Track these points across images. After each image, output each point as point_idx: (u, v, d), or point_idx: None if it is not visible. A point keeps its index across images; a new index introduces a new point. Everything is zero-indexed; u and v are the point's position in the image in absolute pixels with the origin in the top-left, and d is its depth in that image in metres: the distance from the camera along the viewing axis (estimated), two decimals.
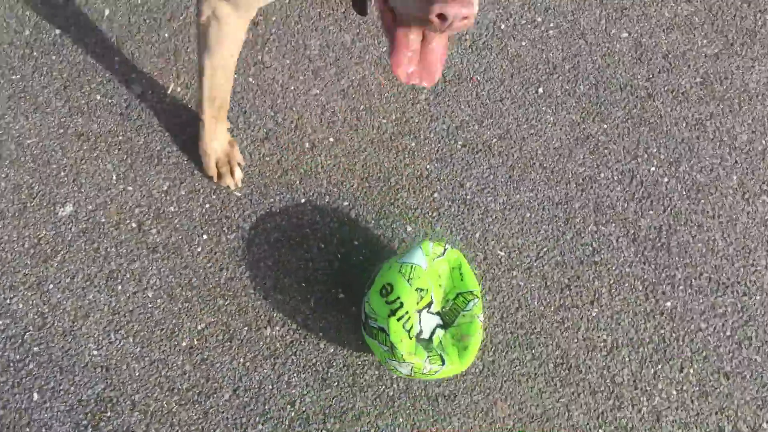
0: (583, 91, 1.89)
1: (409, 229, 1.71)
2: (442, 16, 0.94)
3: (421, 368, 1.44)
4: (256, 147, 1.75)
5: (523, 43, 1.93)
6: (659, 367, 1.63)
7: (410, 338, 1.44)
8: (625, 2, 1.99)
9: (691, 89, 1.91)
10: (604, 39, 1.95)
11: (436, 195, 1.75)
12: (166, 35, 1.83)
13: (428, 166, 1.78)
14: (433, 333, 1.52)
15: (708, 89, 1.91)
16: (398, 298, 1.44)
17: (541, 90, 1.89)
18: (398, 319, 1.42)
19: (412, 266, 1.48)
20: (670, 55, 1.94)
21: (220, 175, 1.69)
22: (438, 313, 1.54)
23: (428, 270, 1.50)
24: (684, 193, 1.81)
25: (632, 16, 1.97)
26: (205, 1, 1.36)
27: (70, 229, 1.62)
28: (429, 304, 1.51)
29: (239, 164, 1.71)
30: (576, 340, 1.64)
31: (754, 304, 1.71)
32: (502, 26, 1.94)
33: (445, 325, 1.53)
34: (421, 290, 1.48)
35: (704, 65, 1.94)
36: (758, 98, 1.91)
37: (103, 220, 1.64)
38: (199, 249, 1.64)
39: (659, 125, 1.87)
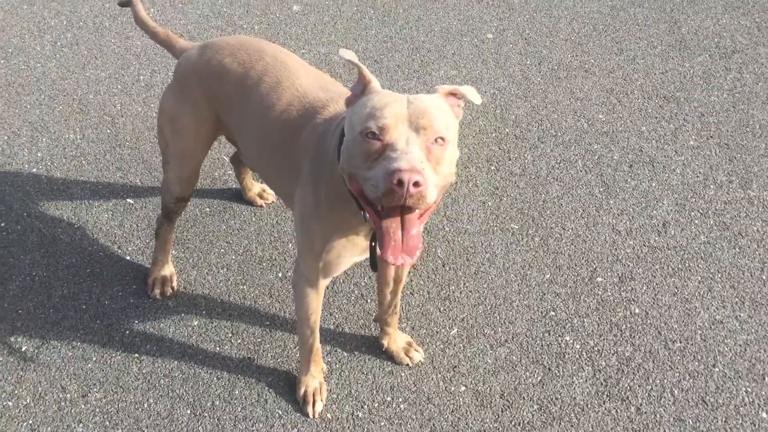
0: None
1: None
2: (400, 182, 1.36)
3: None
4: None
5: (382, 423, 2.16)
6: None
7: None
8: (453, 361, 2.33)
9: (534, 417, 2.19)
10: (448, 400, 2.23)
11: None
12: None
13: None
14: None
15: (547, 413, 2.20)
16: None
17: None
18: None
19: None
20: (505, 394, 2.24)
21: (305, 401, 2.15)
22: None
23: None
24: None
25: (463, 371, 2.30)
26: (294, 272, 1.96)
27: None
28: None
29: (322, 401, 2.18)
30: None
31: None
32: (359, 414, 2.18)
33: None
34: None
35: (535, 393, 2.25)
36: (588, 407, 2.21)
37: None
38: None
39: None
